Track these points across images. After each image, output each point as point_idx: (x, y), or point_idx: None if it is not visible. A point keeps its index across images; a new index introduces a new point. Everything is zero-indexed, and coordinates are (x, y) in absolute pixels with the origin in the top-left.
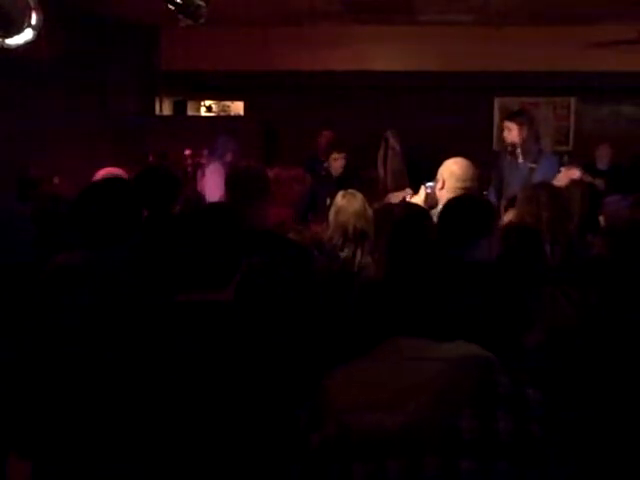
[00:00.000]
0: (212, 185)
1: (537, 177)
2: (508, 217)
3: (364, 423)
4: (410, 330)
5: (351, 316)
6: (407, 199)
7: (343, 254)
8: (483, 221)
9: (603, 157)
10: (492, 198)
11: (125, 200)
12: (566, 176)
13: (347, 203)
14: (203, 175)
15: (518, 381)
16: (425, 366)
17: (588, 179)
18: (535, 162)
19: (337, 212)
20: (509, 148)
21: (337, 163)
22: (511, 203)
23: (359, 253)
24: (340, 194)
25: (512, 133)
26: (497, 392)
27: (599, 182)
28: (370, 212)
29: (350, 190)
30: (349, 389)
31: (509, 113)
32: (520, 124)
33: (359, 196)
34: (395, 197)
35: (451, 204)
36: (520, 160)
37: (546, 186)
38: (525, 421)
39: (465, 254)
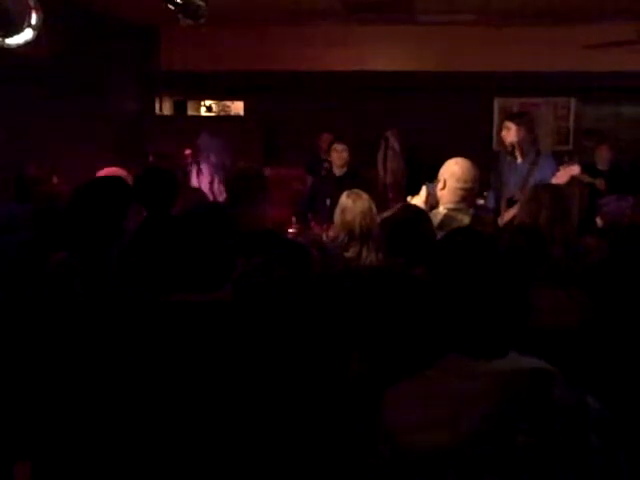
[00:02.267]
0: (200, 187)
1: (536, 178)
2: (507, 217)
3: (420, 443)
4: (462, 348)
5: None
6: (408, 199)
7: (348, 254)
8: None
9: (603, 158)
10: (491, 201)
11: (111, 201)
12: (566, 173)
13: (353, 203)
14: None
15: (577, 391)
16: (474, 384)
17: (587, 179)
18: (533, 163)
19: (343, 211)
20: (509, 148)
21: (341, 155)
22: (509, 203)
23: (364, 251)
24: (345, 194)
25: (510, 132)
26: (554, 404)
27: (599, 182)
28: (375, 211)
29: (355, 190)
30: (404, 409)
31: (509, 113)
32: (518, 124)
33: (365, 196)
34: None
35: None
36: (519, 161)
37: (548, 187)
38: (584, 432)
39: None
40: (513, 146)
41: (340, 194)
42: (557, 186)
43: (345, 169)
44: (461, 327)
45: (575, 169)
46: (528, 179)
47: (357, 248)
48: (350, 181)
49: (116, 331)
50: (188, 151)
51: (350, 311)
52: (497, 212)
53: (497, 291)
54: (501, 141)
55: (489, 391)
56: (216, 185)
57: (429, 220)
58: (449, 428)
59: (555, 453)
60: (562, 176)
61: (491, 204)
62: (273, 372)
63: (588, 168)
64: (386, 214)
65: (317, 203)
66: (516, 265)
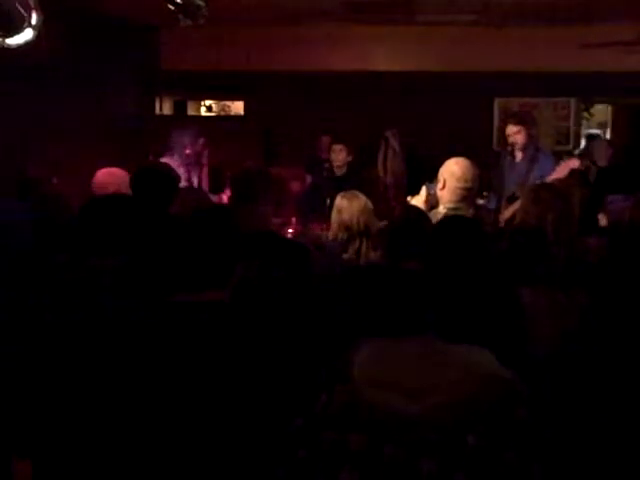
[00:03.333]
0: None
1: (535, 175)
2: (507, 214)
3: (382, 401)
4: (442, 331)
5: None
6: (408, 199)
7: (347, 255)
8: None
9: (601, 155)
10: (493, 201)
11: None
12: (566, 166)
13: (349, 202)
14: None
15: (534, 415)
16: (450, 371)
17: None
18: (533, 159)
19: (339, 212)
20: (509, 148)
21: (339, 156)
22: (509, 200)
23: (363, 249)
24: (340, 195)
25: (521, 134)
26: (514, 425)
27: (574, 161)
28: (372, 209)
29: (350, 191)
30: (376, 366)
31: (509, 114)
32: (526, 125)
33: (360, 195)
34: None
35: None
36: (518, 159)
37: (550, 188)
38: (529, 458)
39: None
40: (515, 145)
41: (335, 192)
42: (558, 186)
43: (345, 169)
44: (446, 310)
45: (575, 162)
46: (528, 176)
47: (356, 246)
48: (350, 181)
49: (117, 331)
50: (188, 151)
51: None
52: (498, 211)
53: (477, 281)
54: (503, 141)
55: (465, 383)
56: (195, 180)
57: (430, 222)
58: (410, 399)
59: (497, 465)
60: (562, 170)
61: (492, 204)
62: (271, 372)
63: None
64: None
65: (317, 203)
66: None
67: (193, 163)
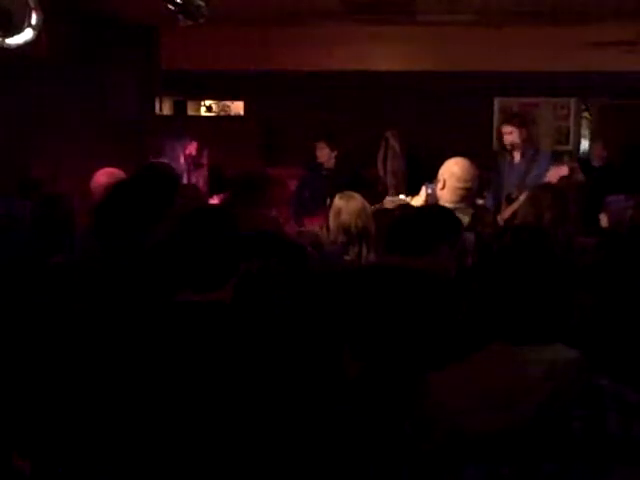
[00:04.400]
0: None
1: (531, 175)
2: (506, 214)
3: (477, 424)
4: (510, 336)
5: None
6: (408, 199)
7: (348, 257)
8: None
9: (597, 155)
10: (490, 201)
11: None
12: (556, 173)
13: (345, 203)
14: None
15: (617, 382)
16: (531, 369)
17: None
18: (531, 161)
19: (337, 213)
20: (508, 147)
21: (323, 152)
22: (508, 200)
23: (364, 251)
24: (337, 196)
25: (513, 135)
26: (603, 393)
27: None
28: (369, 210)
29: (347, 191)
30: (457, 392)
31: (508, 115)
32: (519, 126)
33: (357, 196)
34: (390, 202)
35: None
36: (516, 160)
37: (548, 188)
38: (630, 421)
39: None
40: (512, 146)
41: (327, 187)
42: (556, 187)
43: (333, 164)
44: (506, 315)
45: (564, 170)
46: (526, 176)
47: (356, 249)
48: (341, 175)
49: (117, 330)
50: (188, 151)
51: (348, 309)
52: (497, 210)
53: (546, 281)
54: (501, 141)
55: (541, 379)
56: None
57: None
58: (504, 413)
59: (607, 441)
60: (553, 176)
61: (490, 204)
62: (272, 373)
63: (583, 165)
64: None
65: (317, 203)
66: (563, 259)
67: (190, 167)
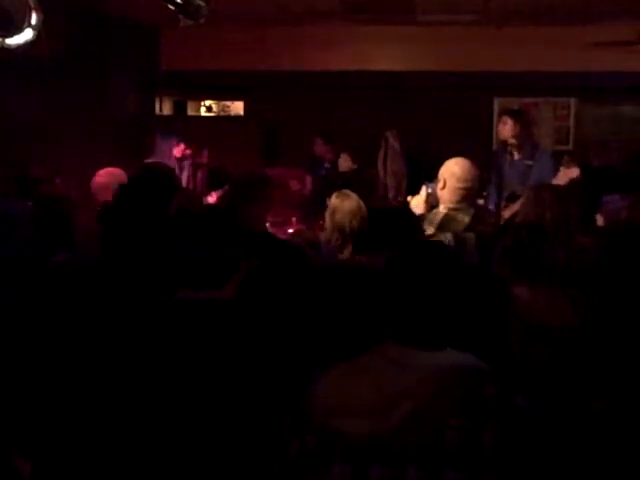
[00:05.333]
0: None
1: (534, 174)
2: (507, 213)
3: (347, 428)
4: (398, 337)
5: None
6: (408, 199)
7: (343, 256)
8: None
9: (595, 158)
10: (492, 198)
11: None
12: (566, 175)
13: (341, 203)
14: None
15: (506, 391)
16: (408, 374)
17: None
18: (531, 158)
19: (332, 212)
20: (508, 148)
21: (346, 163)
22: (510, 198)
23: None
24: (334, 195)
25: (506, 127)
26: (485, 403)
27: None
28: (365, 210)
29: (344, 190)
30: (332, 394)
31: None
32: (515, 120)
33: (353, 195)
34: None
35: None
36: (516, 157)
37: (549, 187)
38: (511, 432)
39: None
40: (506, 141)
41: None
42: (558, 186)
43: (332, 159)
44: (402, 315)
45: (575, 171)
46: (527, 174)
47: (350, 248)
48: (345, 180)
49: (125, 329)
50: (188, 151)
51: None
52: (498, 207)
53: (444, 286)
54: (497, 136)
55: (425, 383)
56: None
57: (414, 218)
58: (381, 416)
59: (481, 451)
60: (562, 178)
61: (492, 200)
62: (271, 370)
63: (583, 167)
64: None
65: (317, 203)
66: (465, 265)
67: (183, 165)
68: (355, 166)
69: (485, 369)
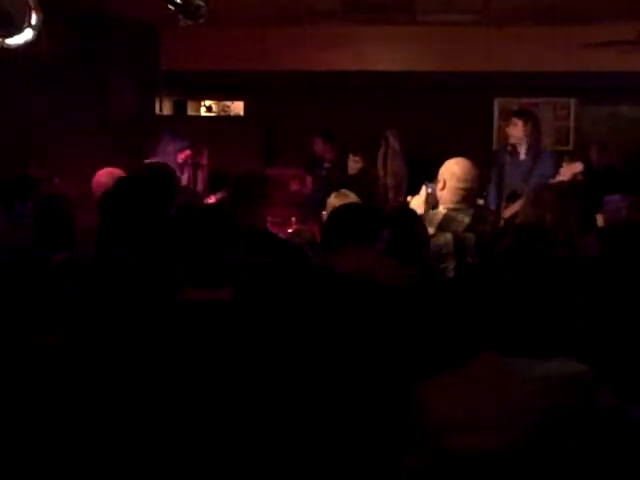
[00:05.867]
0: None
1: (536, 174)
2: (508, 213)
3: (466, 445)
4: (506, 348)
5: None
6: (408, 199)
7: None
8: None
9: (594, 158)
10: (492, 197)
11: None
12: (570, 170)
13: (339, 202)
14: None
15: (618, 398)
16: (524, 386)
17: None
18: (535, 159)
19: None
20: (509, 147)
21: (357, 165)
22: (511, 197)
23: None
24: (333, 194)
25: (517, 128)
26: (599, 411)
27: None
28: None
29: (342, 190)
30: (446, 408)
31: (510, 113)
32: (525, 120)
33: (352, 195)
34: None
35: (336, 211)
36: (521, 157)
37: (550, 188)
38: (627, 438)
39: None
40: (515, 144)
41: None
42: (559, 187)
43: (332, 158)
44: (511, 326)
45: (578, 166)
46: (531, 174)
47: None
48: (334, 176)
49: (124, 330)
50: (187, 151)
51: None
52: (498, 207)
53: (550, 294)
54: (504, 137)
55: (541, 395)
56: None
57: (420, 222)
58: (499, 431)
59: (600, 459)
60: (565, 173)
61: (492, 199)
62: (272, 370)
63: (585, 168)
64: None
65: (317, 203)
66: (570, 272)
67: (184, 165)
68: (329, 147)
69: (594, 376)
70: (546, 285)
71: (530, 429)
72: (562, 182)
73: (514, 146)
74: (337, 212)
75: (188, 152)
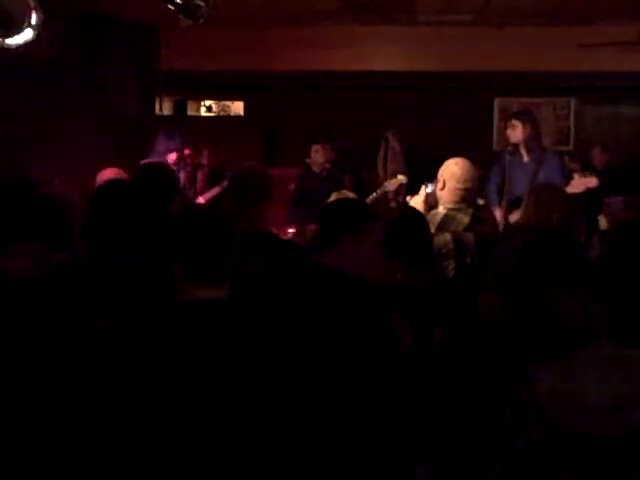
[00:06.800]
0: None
1: (542, 176)
2: (513, 218)
3: (581, 427)
4: (617, 336)
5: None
6: (407, 199)
7: None
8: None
9: (596, 158)
10: (493, 197)
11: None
12: (582, 183)
13: None
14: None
15: None
16: (636, 374)
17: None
18: (540, 160)
19: None
20: (509, 148)
21: (316, 155)
22: (516, 203)
23: None
24: (334, 195)
25: (516, 130)
26: None
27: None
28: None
29: (343, 191)
30: (560, 391)
31: (510, 113)
32: (524, 122)
33: (351, 196)
34: (391, 185)
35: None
36: (525, 159)
37: (552, 189)
38: None
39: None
40: (517, 145)
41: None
42: (560, 188)
43: (330, 166)
44: (623, 313)
45: (593, 181)
46: (536, 177)
47: None
48: (331, 179)
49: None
50: (188, 151)
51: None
52: (508, 210)
53: None
54: (504, 140)
55: None
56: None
57: (426, 222)
58: (611, 417)
59: None
60: (578, 186)
61: (493, 202)
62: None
63: (585, 168)
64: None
65: (317, 203)
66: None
67: (180, 167)
68: (328, 150)
69: None
70: None
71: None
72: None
73: (517, 146)
74: (327, 207)
75: (188, 151)
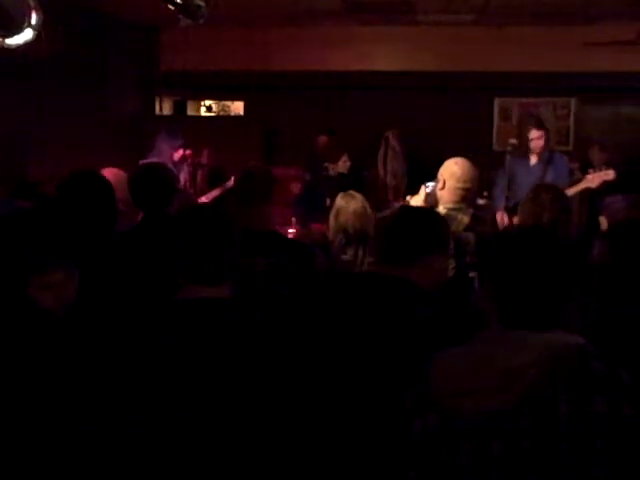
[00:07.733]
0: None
1: (549, 178)
2: (517, 221)
3: (469, 407)
4: (507, 321)
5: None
6: (407, 199)
7: (346, 257)
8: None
9: (595, 157)
10: (499, 200)
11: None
12: (599, 177)
13: (346, 204)
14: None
15: (610, 364)
16: (523, 354)
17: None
18: (548, 162)
19: (337, 213)
20: (509, 148)
21: (346, 165)
22: (513, 210)
23: (360, 253)
24: (339, 195)
25: (542, 139)
26: (593, 377)
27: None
28: (370, 212)
29: (349, 191)
30: (452, 375)
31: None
32: (546, 130)
33: (358, 197)
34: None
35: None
36: (532, 162)
37: (549, 188)
38: (618, 402)
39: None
40: (515, 143)
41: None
42: (558, 187)
43: (348, 170)
44: (511, 299)
45: (610, 174)
46: (544, 179)
47: (354, 250)
48: (349, 181)
49: (123, 330)
50: (188, 151)
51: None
52: (514, 212)
53: (550, 268)
54: (504, 137)
55: (538, 361)
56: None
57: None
58: (498, 394)
59: (592, 422)
60: (594, 180)
61: (499, 202)
62: (271, 371)
63: (585, 167)
64: (382, 214)
65: (317, 203)
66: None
67: (181, 167)
68: (332, 143)
69: (590, 347)
70: (544, 263)
71: (524, 393)
72: (589, 189)
73: (516, 146)
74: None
75: (188, 151)
